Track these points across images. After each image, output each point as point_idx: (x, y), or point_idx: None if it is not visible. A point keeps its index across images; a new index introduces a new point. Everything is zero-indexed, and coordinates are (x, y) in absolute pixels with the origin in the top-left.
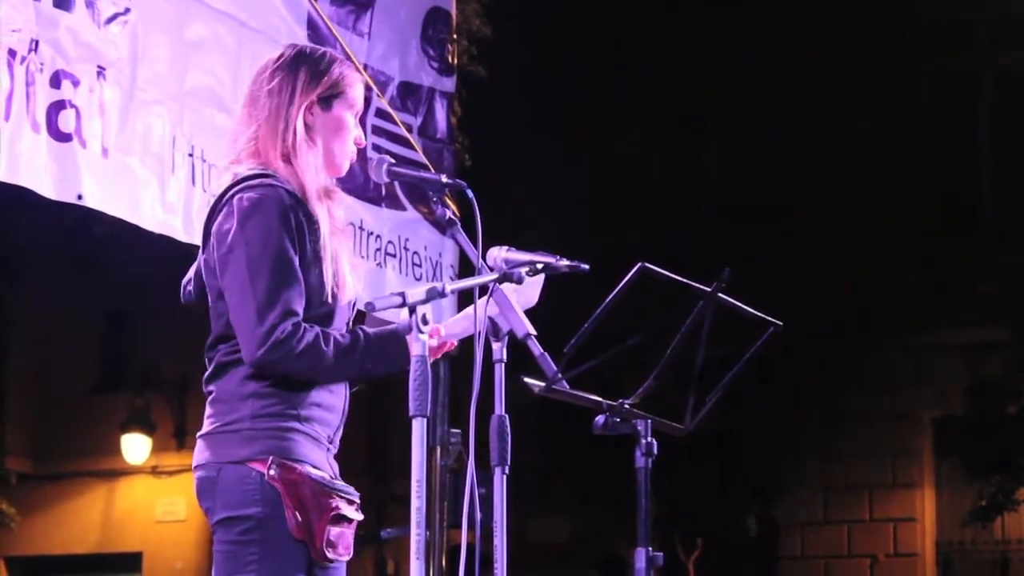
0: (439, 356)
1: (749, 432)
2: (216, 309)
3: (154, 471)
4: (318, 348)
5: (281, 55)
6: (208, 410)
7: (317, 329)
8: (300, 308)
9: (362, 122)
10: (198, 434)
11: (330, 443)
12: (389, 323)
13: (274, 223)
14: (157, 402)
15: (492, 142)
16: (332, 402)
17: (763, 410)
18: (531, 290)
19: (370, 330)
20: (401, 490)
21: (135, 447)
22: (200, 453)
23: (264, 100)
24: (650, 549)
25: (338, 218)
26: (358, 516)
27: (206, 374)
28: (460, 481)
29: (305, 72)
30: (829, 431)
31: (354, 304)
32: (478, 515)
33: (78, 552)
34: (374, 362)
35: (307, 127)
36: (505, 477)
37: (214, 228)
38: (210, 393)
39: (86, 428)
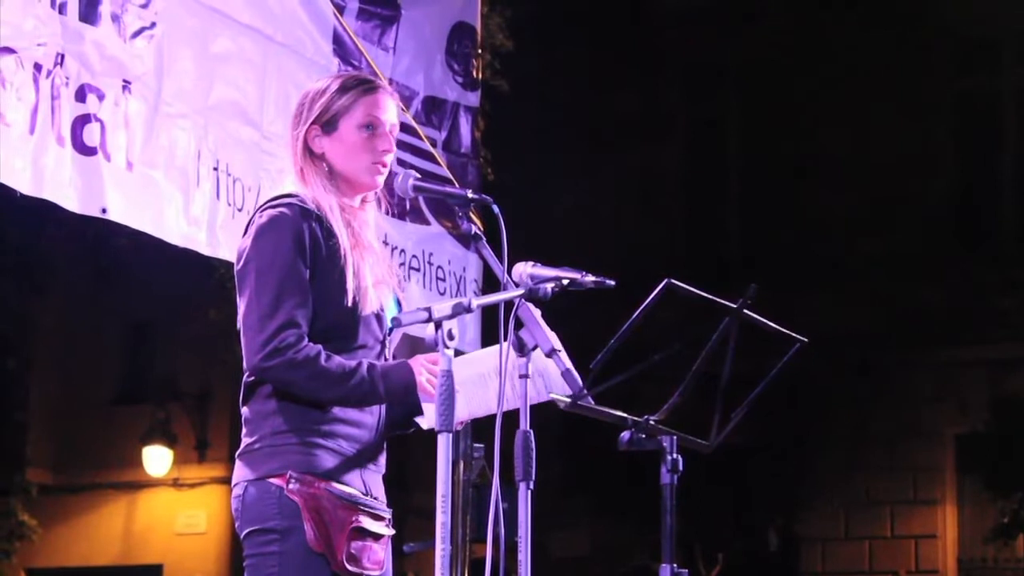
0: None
1: (771, 447)
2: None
3: (175, 483)
4: (317, 362)
5: (305, 89)
6: (243, 430)
7: (320, 347)
8: (304, 322)
9: None
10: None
11: (365, 459)
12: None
13: (285, 239)
14: (178, 414)
15: (515, 156)
16: (360, 418)
17: (785, 426)
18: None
19: (379, 363)
20: (422, 503)
21: (156, 459)
22: (234, 473)
23: (288, 129)
24: (675, 565)
25: (363, 235)
26: (387, 531)
27: (240, 395)
28: (483, 495)
29: (308, 101)
30: (851, 447)
31: (383, 321)
32: (502, 530)
33: (99, 564)
34: (376, 389)
35: (313, 153)
36: (530, 492)
37: (237, 247)
38: (243, 414)
39: (107, 440)
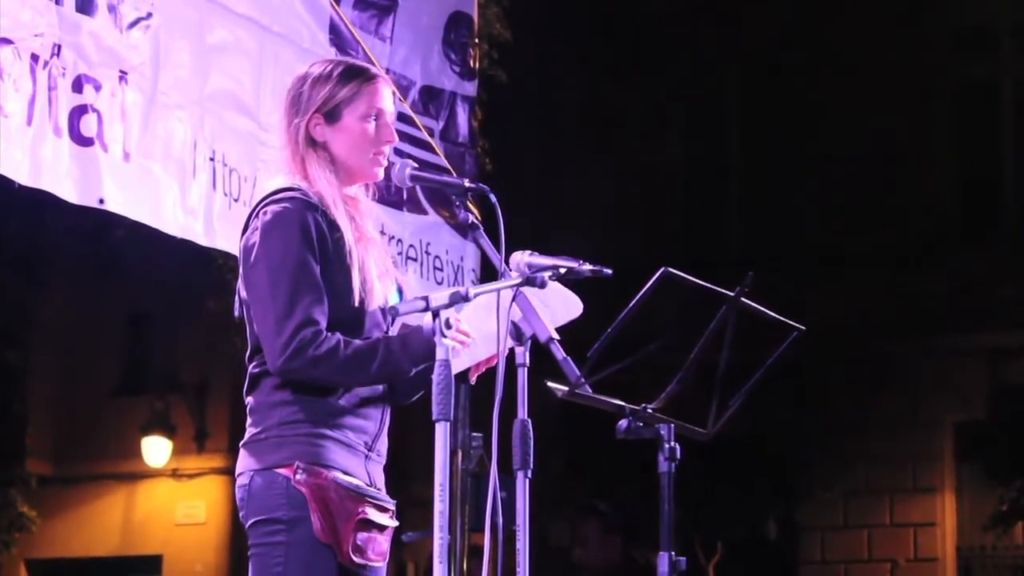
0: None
1: (770, 436)
2: (249, 322)
3: (174, 474)
4: (337, 354)
5: (300, 74)
6: (247, 420)
7: (338, 336)
8: (320, 317)
9: None
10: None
11: (369, 450)
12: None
13: (294, 235)
14: (178, 405)
15: (514, 146)
16: (366, 409)
17: (784, 414)
18: (561, 305)
19: (394, 335)
20: (420, 493)
21: (156, 450)
22: (238, 463)
23: (282, 117)
24: (673, 553)
25: (365, 226)
26: (391, 523)
27: (245, 386)
28: (481, 485)
29: (307, 90)
30: (850, 435)
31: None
32: (500, 519)
33: (98, 555)
34: (400, 359)
35: (315, 142)
36: (528, 481)
37: (241, 244)
38: (248, 404)
39: (107, 431)
